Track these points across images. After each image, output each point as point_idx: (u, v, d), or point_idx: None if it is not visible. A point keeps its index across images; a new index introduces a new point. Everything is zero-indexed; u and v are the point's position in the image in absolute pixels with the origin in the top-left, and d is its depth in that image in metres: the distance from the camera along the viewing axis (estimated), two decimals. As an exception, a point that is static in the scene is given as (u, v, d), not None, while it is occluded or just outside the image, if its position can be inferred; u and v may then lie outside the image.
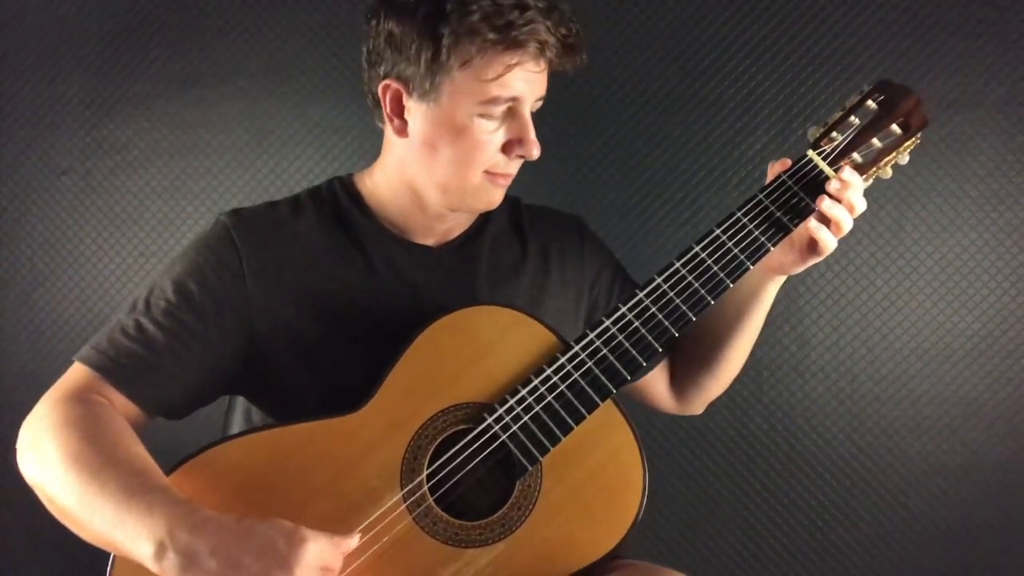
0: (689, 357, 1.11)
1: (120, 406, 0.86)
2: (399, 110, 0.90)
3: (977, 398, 1.55)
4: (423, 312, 0.91)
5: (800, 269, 0.96)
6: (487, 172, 0.91)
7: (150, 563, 0.72)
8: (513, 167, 0.92)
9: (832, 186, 0.88)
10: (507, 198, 1.07)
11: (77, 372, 0.87)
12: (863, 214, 0.91)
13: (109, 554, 0.80)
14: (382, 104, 0.91)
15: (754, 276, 0.98)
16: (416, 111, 0.89)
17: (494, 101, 0.86)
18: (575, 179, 1.60)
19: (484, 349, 0.89)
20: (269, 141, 1.66)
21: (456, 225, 1.01)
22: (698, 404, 1.15)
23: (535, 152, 0.89)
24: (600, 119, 1.59)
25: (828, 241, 0.91)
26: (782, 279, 1.01)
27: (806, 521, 1.60)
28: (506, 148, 0.90)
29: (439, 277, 0.98)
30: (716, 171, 1.58)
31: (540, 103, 0.92)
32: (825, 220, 0.90)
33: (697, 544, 1.63)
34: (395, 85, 0.89)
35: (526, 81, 0.87)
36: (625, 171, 1.60)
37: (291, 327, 0.92)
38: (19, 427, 0.84)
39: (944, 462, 1.56)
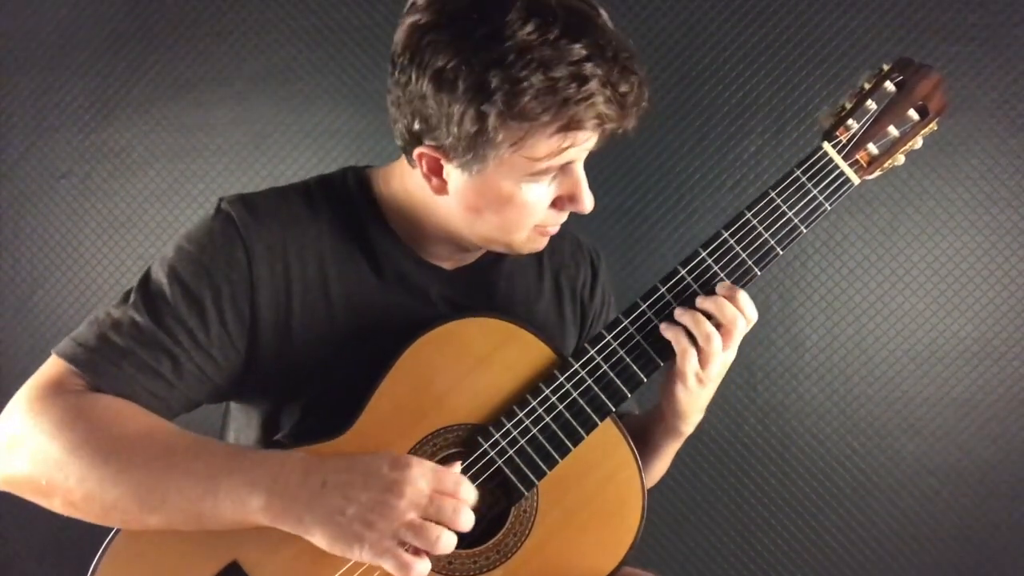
0: None
1: None
2: (437, 170, 0.81)
3: (970, 399, 1.56)
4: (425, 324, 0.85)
5: (681, 409, 0.87)
6: (536, 226, 0.84)
7: (261, 515, 0.71)
8: (563, 218, 0.85)
9: (705, 304, 0.80)
10: None
11: (56, 369, 0.78)
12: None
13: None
14: (417, 166, 0.82)
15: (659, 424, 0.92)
16: (456, 177, 0.80)
17: (545, 172, 0.78)
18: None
19: (476, 364, 0.83)
20: (267, 144, 1.67)
21: (476, 252, 0.94)
22: None
23: (588, 207, 0.81)
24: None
25: (689, 368, 0.81)
26: (680, 438, 0.92)
27: (800, 522, 1.61)
28: (556, 203, 0.82)
29: (450, 296, 0.91)
30: (711, 174, 1.59)
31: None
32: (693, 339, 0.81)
33: (691, 545, 1.64)
34: (432, 155, 0.79)
35: (580, 147, 0.78)
36: (620, 174, 1.60)
37: (293, 336, 0.85)
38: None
39: (937, 463, 1.57)
